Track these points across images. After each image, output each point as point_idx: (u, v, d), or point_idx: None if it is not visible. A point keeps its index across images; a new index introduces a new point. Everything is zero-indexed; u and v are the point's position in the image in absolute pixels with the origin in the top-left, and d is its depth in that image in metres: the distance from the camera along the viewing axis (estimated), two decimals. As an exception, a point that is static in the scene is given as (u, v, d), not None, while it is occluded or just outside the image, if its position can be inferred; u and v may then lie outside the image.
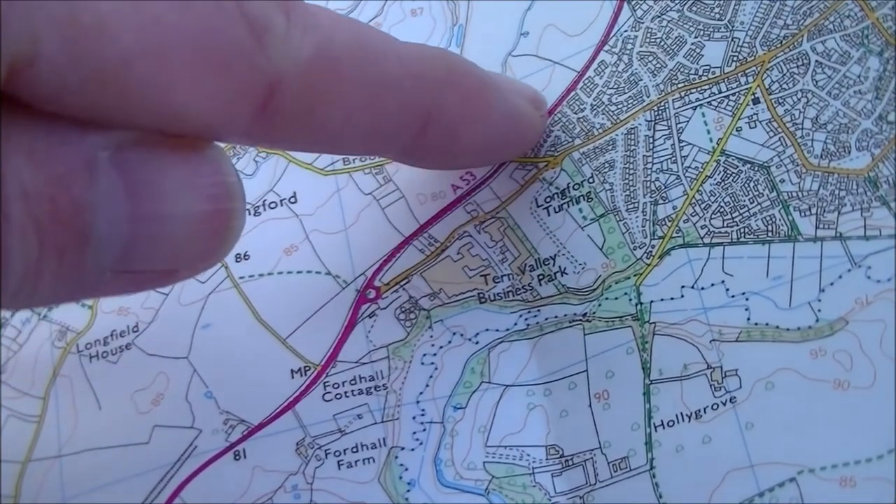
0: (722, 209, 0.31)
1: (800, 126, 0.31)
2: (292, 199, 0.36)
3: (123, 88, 0.20)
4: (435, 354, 0.32)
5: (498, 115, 0.30)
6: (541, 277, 0.32)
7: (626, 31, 0.34)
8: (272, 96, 0.22)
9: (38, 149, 0.19)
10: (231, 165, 0.23)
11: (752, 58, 0.32)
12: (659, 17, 0.34)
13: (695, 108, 0.32)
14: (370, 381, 0.33)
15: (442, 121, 0.28)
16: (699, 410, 0.30)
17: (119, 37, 0.19)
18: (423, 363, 0.32)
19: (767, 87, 0.32)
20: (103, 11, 0.19)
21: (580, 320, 0.31)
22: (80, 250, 0.20)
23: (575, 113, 0.34)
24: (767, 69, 0.32)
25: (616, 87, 0.33)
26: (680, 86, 0.33)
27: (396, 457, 0.32)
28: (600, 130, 0.33)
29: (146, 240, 0.21)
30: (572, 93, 0.34)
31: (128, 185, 0.21)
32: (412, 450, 0.32)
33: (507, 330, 0.32)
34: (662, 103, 0.33)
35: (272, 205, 0.36)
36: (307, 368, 0.33)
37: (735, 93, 0.32)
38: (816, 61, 0.31)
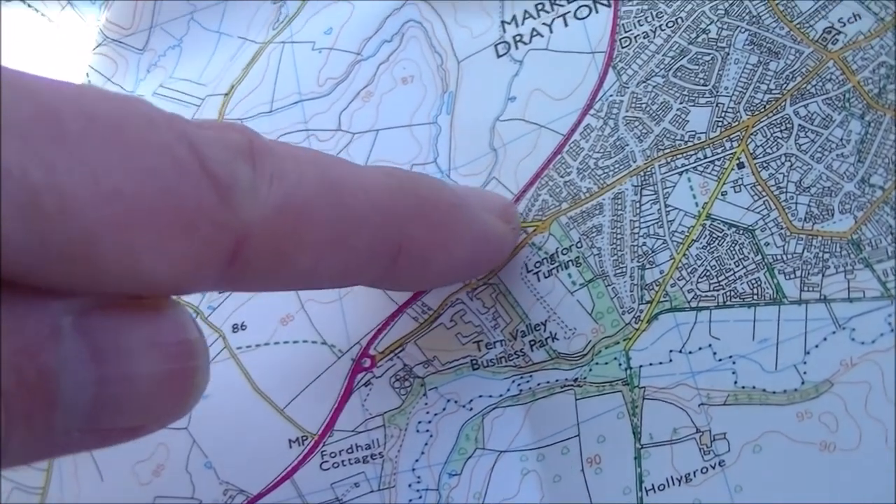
0: (708, 273, 0.33)
1: (784, 189, 0.33)
2: (287, 269, 0.38)
3: (90, 263, 0.20)
4: (430, 422, 0.34)
5: (468, 239, 0.31)
6: (532, 343, 0.34)
7: (611, 95, 0.36)
8: (240, 250, 0.23)
9: (3, 321, 0.20)
10: (192, 322, 0.24)
11: (737, 123, 0.34)
12: (644, 82, 0.36)
13: (681, 174, 0.34)
14: (366, 449, 0.35)
15: (412, 251, 0.29)
16: (689, 474, 0.31)
17: (81, 215, 0.19)
18: (418, 430, 0.34)
19: (752, 151, 0.34)
20: (65, 191, 0.19)
21: (571, 385, 0.34)
22: (46, 415, 0.21)
23: (562, 176, 0.36)
24: (752, 134, 0.34)
25: (602, 151, 0.36)
26: (666, 151, 0.35)
27: (393, 525, 0.34)
28: (587, 194, 0.35)
29: (112, 401, 0.22)
30: (559, 156, 0.36)
31: (92, 350, 0.21)
32: (408, 517, 0.34)
33: (501, 396, 0.34)
34: (649, 169, 0.35)
35: (267, 275, 0.38)
36: (304, 438, 0.35)
37: (720, 158, 0.34)
38: (799, 125, 0.34)
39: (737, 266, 0.33)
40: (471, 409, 0.34)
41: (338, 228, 0.26)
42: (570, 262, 0.35)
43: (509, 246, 0.35)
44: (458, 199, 0.31)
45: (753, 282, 0.33)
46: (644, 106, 0.35)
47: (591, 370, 0.33)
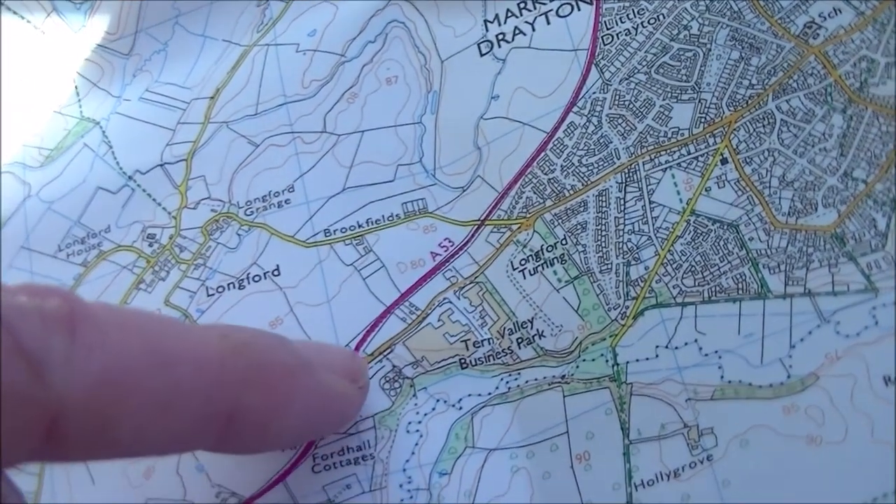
0: (693, 268, 0.33)
1: (767, 185, 0.33)
2: (275, 272, 0.38)
3: None
4: (420, 422, 0.34)
5: (307, 402, 0.30)
6: (520, 341, 0.35)
7: (594, 93, 0.36)
8: (56, 425, 0.23)
9: None
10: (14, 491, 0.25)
11: (720, 118, 0.34)
12: (627, 79, 0.36)
13: (665, 170, 0.34)
14: (357, 451, 0.35)
15: (246, 417, 0.28)
16: (677, 469, 0.32)
17: None
18: (408, 431, 0.35)
19: (735, 146, 0.34)
20: None
21: (559, 382, 0.34)
22: None
23: (545, 174, 0.36)
24: (734, 129, 0.34)
25: (586, 148, 0.36)
26: (650, 148, 0.35)
27: (385, 525, 0.34)
28: (571, 192, 0.35)
29: None
30: (542, 154, 0.36)
31: None
32: (400, 517, 0.34)
33: (489, 394, 0.34)
34: (633, 165, 0.35)
35: (256, 278, 0.38)
36: (296, 441, 0.35)
37: (703, 153, 0.34)
38: (782, 120, 0.34)
39: (721, 261, 0.33)
40: (460, 408, 0.34)
41: (161, 399, 0.25)
42: (555, 260, 0.35)
43: (356, 406, 0.34)
44: (297, 362, 0.30)
45: (738, 276, 0.33)
46: (627, 103, 0.36)
47: (578, 367, 0.34)
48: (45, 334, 0.23)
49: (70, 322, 0.23)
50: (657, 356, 0.33)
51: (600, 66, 0.36)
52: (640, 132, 0.35)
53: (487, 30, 0.38)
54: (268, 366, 0.29)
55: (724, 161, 0.34)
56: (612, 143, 0.35)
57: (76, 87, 0.44)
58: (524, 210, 0.36)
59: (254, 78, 0.41)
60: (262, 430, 0.29)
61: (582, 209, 0.35)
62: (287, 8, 0.42)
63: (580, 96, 0.36)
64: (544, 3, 0.38)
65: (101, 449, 0.25)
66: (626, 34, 0.36)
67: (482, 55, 0.38)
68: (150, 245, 0.40)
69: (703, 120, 0.35)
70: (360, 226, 0.37)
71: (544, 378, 0.34)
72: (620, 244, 0.34)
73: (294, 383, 0.29)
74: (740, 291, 0.33)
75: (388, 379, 0.35)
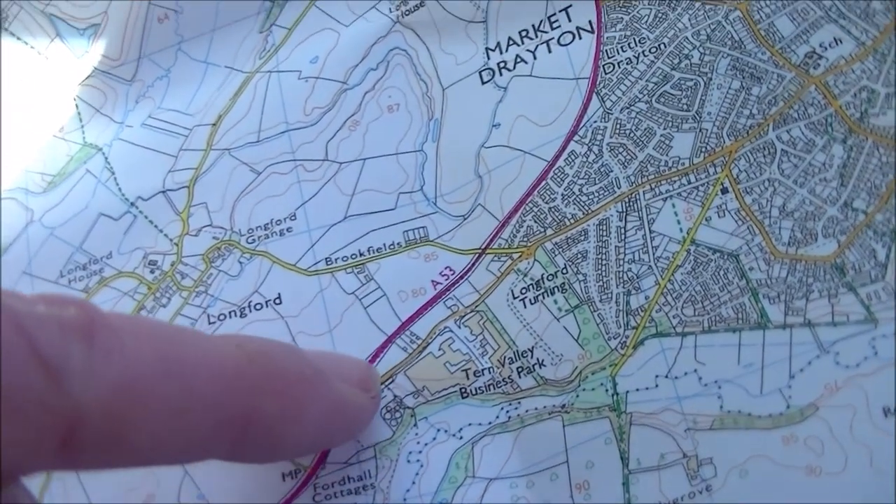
0: (693, 298, 0.34)
1: (767, 214, 0.34)
2: (277, 301, 0.38)
3: None
4: (420, 452, 0.35)
5: (321, 409, 0.31)
6: (520, 370, 0.35)
7: (595, 121, 0.37)
8: (73, 432, 0.23)
9: None
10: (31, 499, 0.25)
11: (720, 148, 0.35)
12: (628, 108, 0.36)
13: (665, 199, 0.35)
14: (358, 481, 0.35)
15: (260, 426, 0.28)
16: (677, 499, 0.32)
17: None
18: (409, 461, 0.35)
19: (735, 176, 0.34)
20: None
21: (559, 412, 0.34)
22: None
23: (546, 203, 0.36)
24: (735, 159, 0.34)
25: (587, 177, 0.36)
26: (650, 177, 0.35)
27: (385, 555, 0.34)
28: (572, 221, 0.36)
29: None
30: (543, 182, 0.37)
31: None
32: (400, 547, 0.34)
33: (490, 423, 0.35)
34: (633, 195, 0.35)
35: (257, 306, 0.38)
36: (298, 471, 0.36)
37: (704, 183, 0.35)
38: (782, 150, 0.34)
39: (721, 291, 0.33)
40: (461, 437, 0.35)
41: (177, 407, 0.25)
42: (555, 288, 0.35)
43: (369, 414, 0.35)
44: (311, 371, 0.30)
45: (738, 306, 0.33)
46: (628, 132, 0.36)
47: (578, 396, 0.34)
48: (64, 342, 0.23)
49: (89, 330, 0.24)
50: (657, 386, 0.33)
51: (601, 94, 0.37)
52: (641, 161, 0.35)
53: (489, 58, 0.39)
54: (283, 374, 0.29)
55: (724, 191, 0.34)
56: (612, 171, 0.36)
57: (79, 113, 0.45)
58: (525, 239, 0.36)
59: (256, 105, 0.41)
60: (277, 437, 0.29)
61: (582, 238, 0.35)
62: (289, 34, 0.42)
63: (581, 125, 0.37)
64: (546, 32, 0.38)
65: (117, 457, 0.25)
66: (627, 63, 0.37)
67: (483, 83, 0.39)
68: (152, 272, 0.40)
69: (703, 149, 0.35)
70: (361, 254, 0.38)
71: (544, 407, 0.34)
72: (621, 273, 0.35)
73: (308, 391, 0.30)
74: (740, 321, 0.33)
75: (389, 409, 0.36)
